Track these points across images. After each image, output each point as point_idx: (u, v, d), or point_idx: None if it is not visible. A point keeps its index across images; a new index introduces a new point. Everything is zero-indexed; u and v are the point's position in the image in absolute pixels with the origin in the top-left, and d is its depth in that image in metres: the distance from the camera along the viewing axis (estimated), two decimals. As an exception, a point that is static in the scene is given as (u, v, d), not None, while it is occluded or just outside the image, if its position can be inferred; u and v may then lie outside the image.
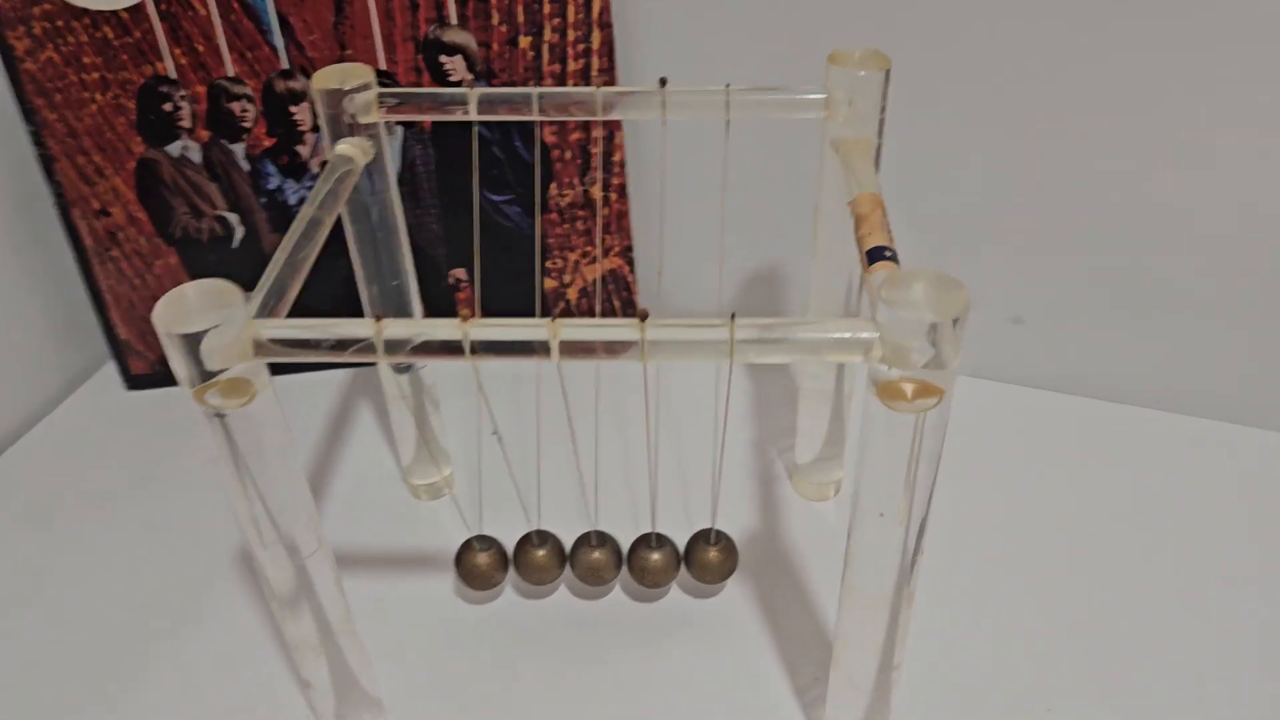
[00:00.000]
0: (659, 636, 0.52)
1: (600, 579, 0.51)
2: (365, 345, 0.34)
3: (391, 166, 0.49)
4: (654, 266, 0.69)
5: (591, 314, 0.70)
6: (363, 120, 0.47)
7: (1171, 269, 0.59)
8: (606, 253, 0.67)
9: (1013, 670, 0.49)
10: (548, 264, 0.67)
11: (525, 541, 0.51)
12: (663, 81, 0.46)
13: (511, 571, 0.52)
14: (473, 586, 0.51)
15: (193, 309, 0.33)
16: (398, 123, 0.61)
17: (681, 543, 0.51)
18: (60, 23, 0.57)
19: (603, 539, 0.51)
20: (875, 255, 0.38)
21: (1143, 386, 0.63)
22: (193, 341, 0.33)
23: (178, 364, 0.34)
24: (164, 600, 0.54)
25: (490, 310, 0.69)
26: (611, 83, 0.61)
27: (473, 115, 0.47)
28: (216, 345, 0.33)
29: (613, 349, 0.34)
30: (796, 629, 0.52)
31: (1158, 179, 0.56)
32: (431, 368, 0.56)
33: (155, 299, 0.65)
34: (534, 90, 0.46)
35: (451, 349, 0.34)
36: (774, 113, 0.46)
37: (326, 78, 0.46)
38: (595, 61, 0.60)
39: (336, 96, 0.46)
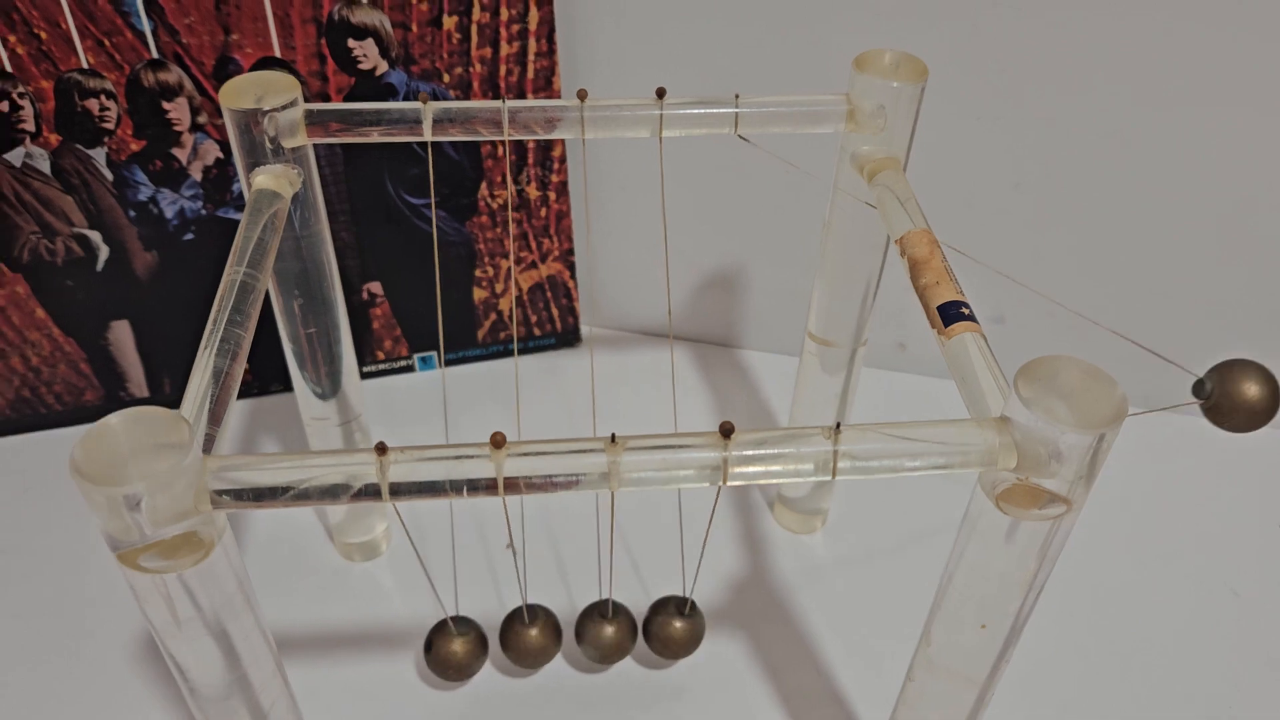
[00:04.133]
0: (646, 703, 0.46)
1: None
2: (370, 489, 0.26)
3: (321, 196, 0.40)
4: (595, 272, 0.62)
5: (526, 325, 0.62)
6: (287, 144, 0.37)
7: (1152, 265, 0.56)
8: (544, 258, 0.59)
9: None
10: (477, 272, 0.59)
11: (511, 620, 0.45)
12: (660, 93, 0.38)
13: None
14: (448, 677, 0.44)
15: (124, 455, 0.25)
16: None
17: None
18: None
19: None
20: (951, 314, 0.33)
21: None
22: (131, 502, 0.24)
23: (105, 524, 0.25)
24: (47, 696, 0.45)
25: (412, 325, 0.60)
26: (551, 68, 0.53)
27: (428, 135, 0.38)
28: (163, 505, 0.25)
29: (697, 473, 0.27)
30: (799, 684, 0.47)
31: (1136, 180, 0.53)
32: (362, 392, 0.47)
33: (0, 336, 0.53)
34: (503, 104, 0.38)
35: (489, 487, 0.26)
36: (789, 127, 0.39)
37: (238, 93, 0.36)
38: (532, 44, 0.52)
39: (252, 117, 0.36)
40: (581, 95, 0.38)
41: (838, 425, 0.27)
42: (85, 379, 0.57)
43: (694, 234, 0.58)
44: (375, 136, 0.38)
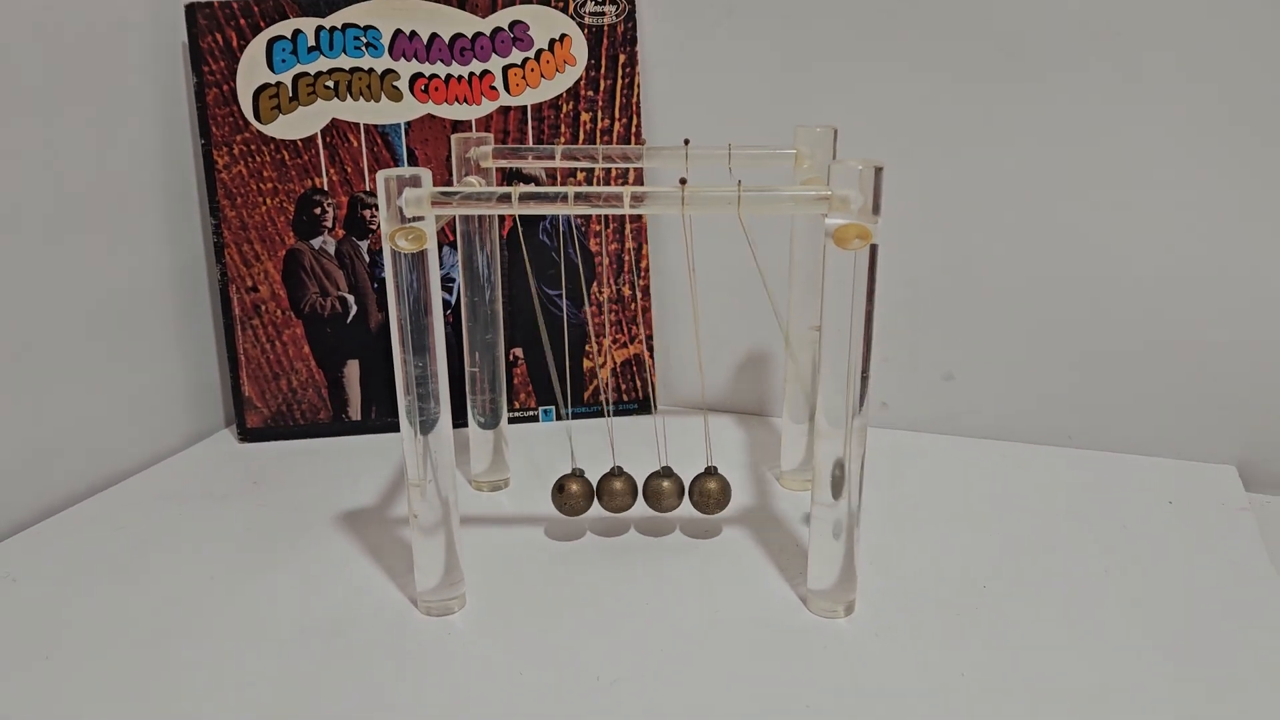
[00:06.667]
0: (683, 557, 0.65)
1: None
2: (504, 196, 0.53)
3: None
4: (668, 354, 0.89)
5: (618, 392, 0.88)
6: (483, 165, 0.69)
7: (1081, 327, 0.79)
8: (632, 340, 0.86)
9: (953, 560, 0.63)
10: (587, 347, 0.87)
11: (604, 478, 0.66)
12: (686, 141, 0.68)
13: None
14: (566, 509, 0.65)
15: (404, 174, 0.53)
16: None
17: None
18: (254, 146, 0.81)
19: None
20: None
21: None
22: (404, 184, 0.52)
23: (386, 212, 0.53)
24: (271, 548, 0.68)
25: (540, 383, 0.87)
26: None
27: (558, 162, 0.69)
28: (413, 198, 0.53)
29: (641, 199, 0.53)
30: (784, 544, 0.66)
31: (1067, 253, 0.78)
32: (507, 427, 0.74)
33: (279, 363, 0.83)
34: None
35: (555, 199, 0.53)
36: (762, 163, 0.68)
37: (460, 137, 0.69)
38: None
39: (467, 143, 0.68)
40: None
41: (739, 181, 0.53)
42: (322, 402, 0.85)
43: (735, 323, 0.85)
44: (530, 160, 0.69)
